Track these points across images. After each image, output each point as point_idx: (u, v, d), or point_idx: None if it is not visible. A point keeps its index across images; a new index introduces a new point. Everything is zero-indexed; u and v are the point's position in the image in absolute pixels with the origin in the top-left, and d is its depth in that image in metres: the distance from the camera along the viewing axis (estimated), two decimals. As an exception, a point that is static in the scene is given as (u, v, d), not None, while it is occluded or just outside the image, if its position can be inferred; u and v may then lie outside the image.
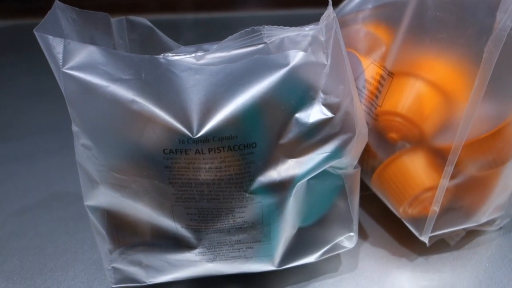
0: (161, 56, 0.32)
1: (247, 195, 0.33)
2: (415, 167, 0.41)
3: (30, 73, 0.86)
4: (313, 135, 0.33)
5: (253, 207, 0.34)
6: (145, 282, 0.38)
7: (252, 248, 0.36)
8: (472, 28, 0.35)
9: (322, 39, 0.33)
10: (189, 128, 0.30)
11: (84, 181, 0.35)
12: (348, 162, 0.37)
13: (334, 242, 0.39)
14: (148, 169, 0.32)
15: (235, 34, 0.33)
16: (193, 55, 0.33)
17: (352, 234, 0.40)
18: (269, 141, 0.32)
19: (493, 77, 0.34)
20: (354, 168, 0.39)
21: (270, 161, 0.33)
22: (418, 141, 0.40)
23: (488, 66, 0.34)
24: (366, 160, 0.45)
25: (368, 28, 0.45)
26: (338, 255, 0.44)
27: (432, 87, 0.39)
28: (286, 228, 0.36)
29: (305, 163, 0.34)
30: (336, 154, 0.34)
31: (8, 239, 0.47)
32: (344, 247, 0.40)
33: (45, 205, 0.52)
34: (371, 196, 0.48)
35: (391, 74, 0.41)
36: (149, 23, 0.40)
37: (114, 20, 0.39)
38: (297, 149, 0.33)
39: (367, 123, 0.43)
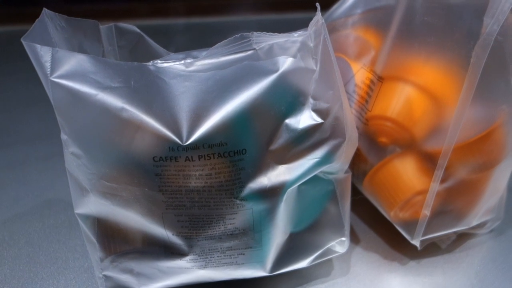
0: (150, 63, 0.32)
1: (238, 201, 0.33)
2: (406, 171, 0.41)
3: (20, 81, 0.85)
4: (303, 141, 0.33)
5: (244, 213, 0.34)
6: None
7: (244, 254, 0.36)
8: (459, 32, 0.35)
9: (311, 45, 0.33)
10: (179, 136, 0.30)
11: (74, 189, 0.35)
12: (339, 167, 0.37)
13: (326, 247, 0.39)
14: (138, 177, 0.32)
15: (224, 41, 0.33)
16: (182, 62, 0.33)
17: (343, 239, 0.40)
18: (259, 148, 0.32)
19: (481, 81, 0.34)
20: (345, 173, 0.39)
21: (260, 168, 0.33)
22: (409, 145, 0.40)
23: (476, 70, 0.34)
24: (357, 165, 0.45)
25: (358, 33, 0.45)
26: (330, 260, 0.44)
27: (422, 91, 0.39)
28: (278, 234, 0.36)
29: (295, 169, 0.34)
30: (326, 159, 0.35)
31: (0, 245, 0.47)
32: (336, 252, 0.40)
33: (36, 212, 0.51)
34: (362, 201, 0.48)
35: (380, 78, 0.41)
36: (138, 30, 0.40)
37: (103, 27, 0.38)
38: (287, 155, 0.33)
39: (357, 128, 0.44)
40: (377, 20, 0.43)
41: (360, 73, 0.44)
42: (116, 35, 0.39)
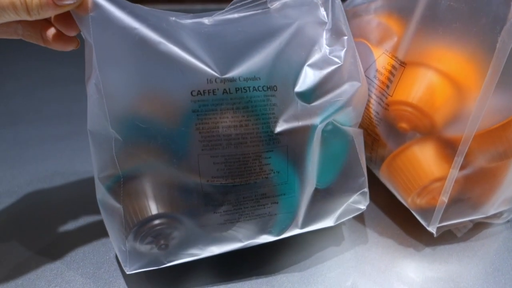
0: (172, 18, 0.33)
1: (274, 136, 0.34)
2: (425, 157, 0.41)
3: (41, 61, 0.85)
4: (325, 83, 0.36)
5: (279, 151, 0.34)
6: (163, 263, 0.36)
7: (277, 203, 0.36)
8: (486, 17, 0.35)
9: (319, 2, 0.37)
10: (216, 68, 0.32)
11: (99, 149, 0.34)
12: (353, 117, 0.39)
13: (349, 201, 0.40)
14: (175, 115, 0.32)
15: None
16: (202, 17, 0.35)
17: (365, 190, 0.41)
18: (287, 87, 0.34)
19: (506, 67, 0.34)
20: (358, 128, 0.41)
21: (290, 106, 0.35)
22: (429, 132, 0.40)
23: (502, 56, 0.34)
24: (376, 150, 0.45)
25: (380, 19, 0.45)
26: (346, 244, 0.44)
27: (444, 77, 0.39)
28: (308, 180, 0.37)
29: (320, 108, 0.36)
30: (345, 101, 0.37)
31: (17, 219, 0.47)
32: (358, 208, 0.41)
33: (54, 186, 0.51)
34: (378, 187, 0.48)
35: (403, 64, 0.41)
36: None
37: None
38: (312, 96, 0.35)
39: (378, 113, 0.43)
40: (401, 5, 0.43)
41: (381, 59, 0.44)
42: None
